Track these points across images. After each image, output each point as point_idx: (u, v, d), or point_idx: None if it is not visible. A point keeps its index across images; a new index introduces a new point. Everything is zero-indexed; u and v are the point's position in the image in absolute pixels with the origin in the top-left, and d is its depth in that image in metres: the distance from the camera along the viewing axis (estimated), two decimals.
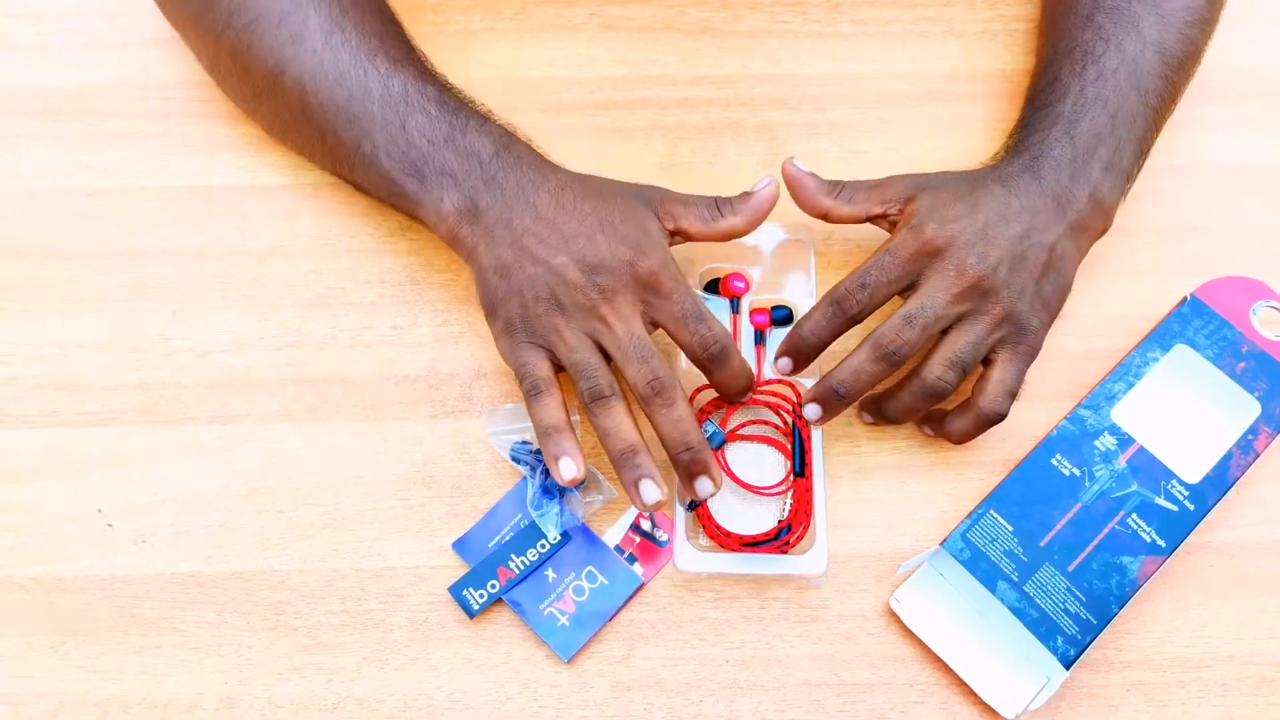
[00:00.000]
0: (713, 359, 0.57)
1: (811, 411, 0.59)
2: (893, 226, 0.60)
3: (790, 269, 0.65)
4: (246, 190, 0.67)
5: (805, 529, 0.58)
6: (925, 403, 0.58)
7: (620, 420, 0.56)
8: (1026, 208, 0.58)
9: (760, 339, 0.63)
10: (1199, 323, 0.62)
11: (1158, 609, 0.58)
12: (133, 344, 0.63)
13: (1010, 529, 0.57)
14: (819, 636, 0.58)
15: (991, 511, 0.58)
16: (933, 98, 0.70)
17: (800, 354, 0.59)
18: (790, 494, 0.59)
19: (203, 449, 0.61)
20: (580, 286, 0.56)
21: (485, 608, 0.58)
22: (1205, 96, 0.70)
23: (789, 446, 0.60)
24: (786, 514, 0.59)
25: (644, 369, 0.56)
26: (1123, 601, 0.56)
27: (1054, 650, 0.55)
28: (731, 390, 0.59)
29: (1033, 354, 0.59)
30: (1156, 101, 0.63)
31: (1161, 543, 0.57)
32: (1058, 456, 0.59)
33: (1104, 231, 0.62)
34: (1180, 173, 0.68)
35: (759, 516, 0.60)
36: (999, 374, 0.58)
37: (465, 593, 0.58)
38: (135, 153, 0.68)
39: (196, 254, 0.66)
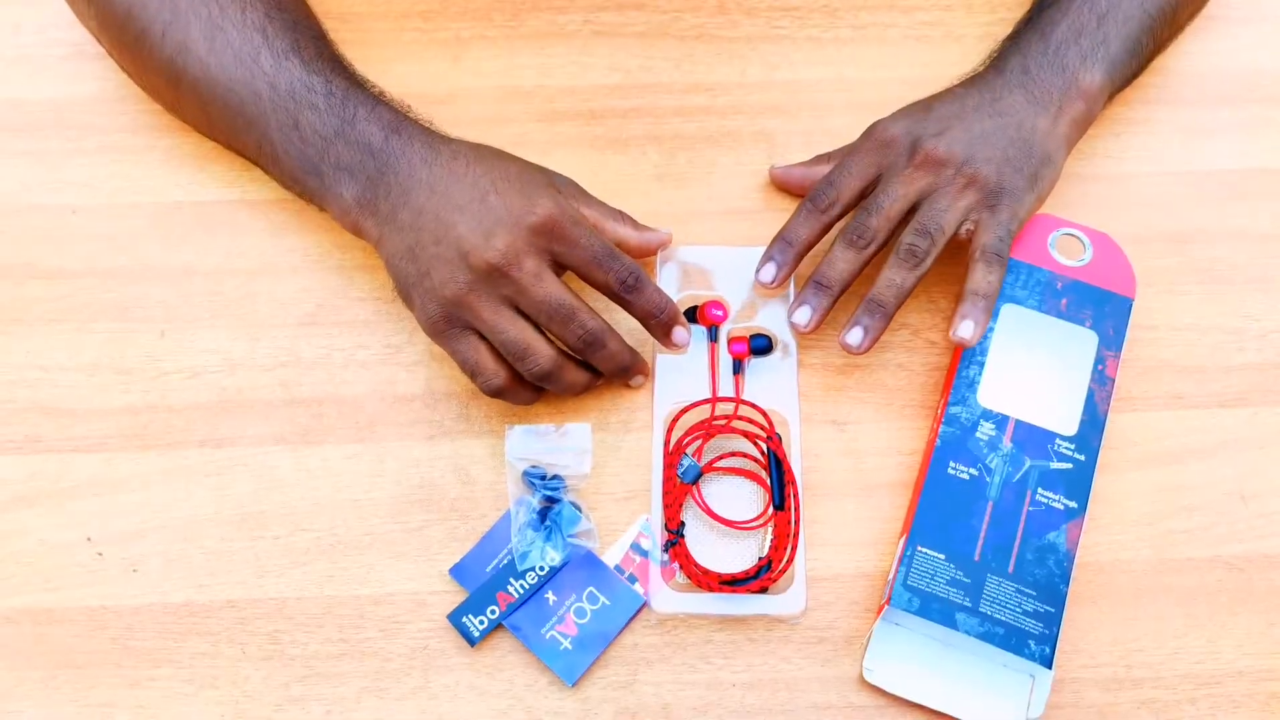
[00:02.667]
0: (629, 290, 0.57)
1: (801, 315, 0.60)
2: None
3: (769, 298, 0.64)
4: (235, 205, 0.66)
5: (788, 564, 0.57)
6: (906, 271, 0.59)
7: (571, 380, 0.58)
8: (985, 93, 0.62)
9: (738, 368, 0.62)
10: (1011, 277, 0.62)
11: (1167, 625, 0.58)
12: (120, 366, 0.62)
13: (942, 557, 0.56)
14: (826, 658, 0.57)
15: (919, 548, 0.57)
16: None
17: (781, 257, 0.61)
18: (770, 528, 0.58)
19: (194, 474, 0.60)
20: (481, 252, 0.55)
21: (486, 634, 0.57)
22: (1212, 100, 0.70)
23: (766, 479, 0.59)
24: (766, 550, 0.58)
25: (570, 328, 0.57)
26: (1066, 578, 0.56)
27: (1030, 656, 0.54)
28: (652, 314, 0.58)
29: (1014, 216, 0.60)
30: (1154, 9, 0.64)
31: (1073, 504, 0.57)
32: (951, 464, 0.58)
33: (1088, 115, 0.63)
34: (1183, 179, 0.68)
35: (738, 553, 0.59)
36: (989, 226, 0.59)
37: (465, 620, 0.57)
38: (119, 168, 0.67)
39: (184, 272, 0.64)
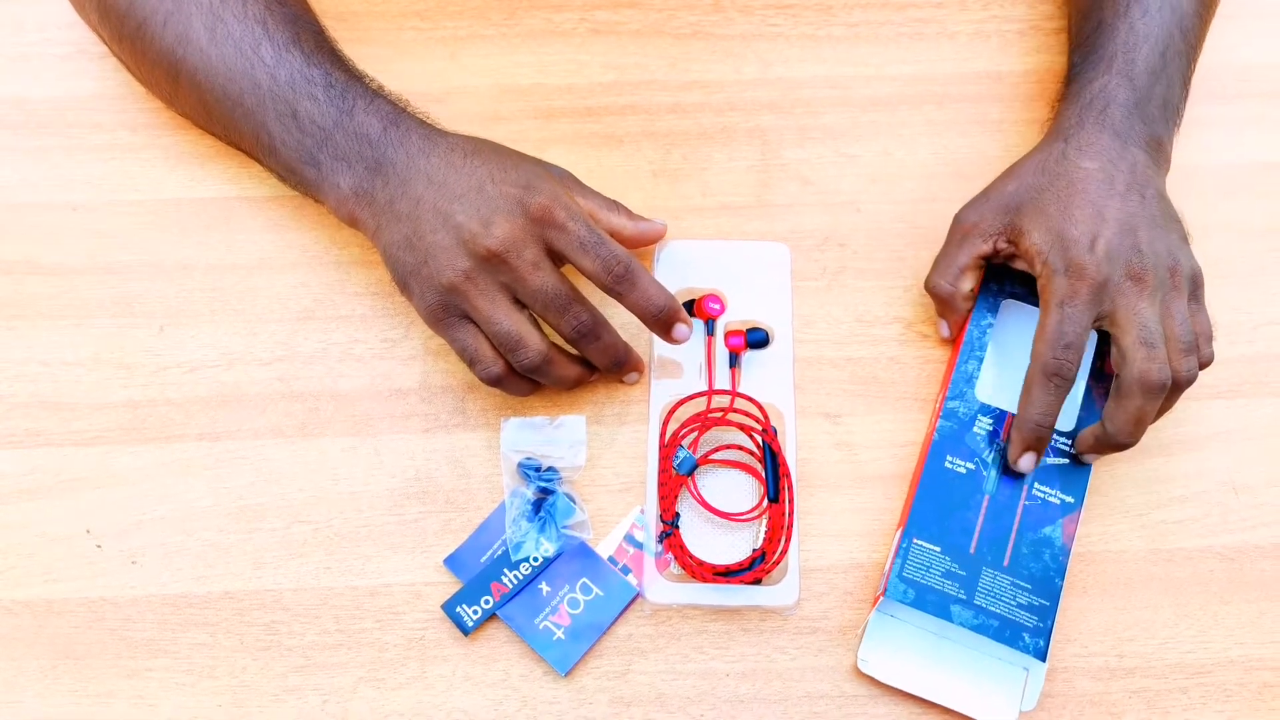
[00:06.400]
0: (619, 280, 0.57)
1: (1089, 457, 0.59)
2: (1010, 258, 0.60)
3: (766, 290, 0.64)
4: (233, 202, 0.66)
5: (782, 556, 0.57)
6: (1174, 399, 0.58)
7: (562, 373, 0.59)
8: (1119, 166, 0.59)
9: (735, 361, 0.62)
10: (1012, 274, 0.62)
11: (1159, 615, 0.58)
12: (119, 361, 0.62)
13: (938, 550, 0.57)
14: (819, 648, 0.57)
15: (915, 540, 0.57)
16: (926, 100, 0.70)
17: (1042, 442, 0.57)
18: (764, 520, 0.59)
19: (192, 467, 0.60)
20: (480, 241, 0.55)
21: (480, 624, 0.57)
22: (1202, 96, 0.70)
23: (761, 471, 0.60)
24: (761, 542, 0.58)
25: (566, 318, 0.57)
26: (1062, 572, 0.56)
27: (1024, 649, 0.55)
28: (649, 310, 0.58)
29: (1200, 285, 0.59)
30: (1194, 39, 0.64)
31: (1070, 499, 0.58)
32: (949, 458, 0.59)
33: (1167, 169, 0.63)
34: (1177, 173, 0.68)
35: (733, 545, 0.59)
36: (1196, 326, 0.58)
37: (459, 609, 0.57)
38: (119, 165, 0.67)
39: (183, 268, 0.65)
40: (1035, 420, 0.56)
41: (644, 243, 0.63)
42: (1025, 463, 0.57)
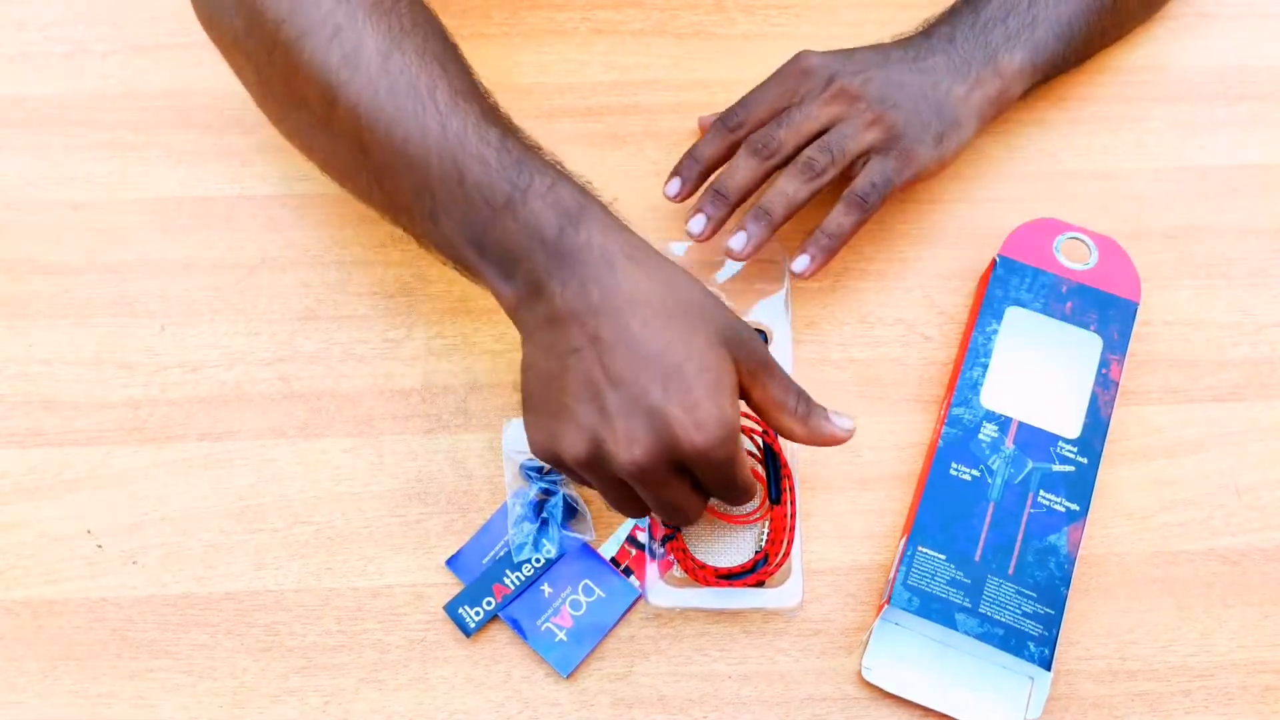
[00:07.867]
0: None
1: (696, 223, 0.61)
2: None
3: (763, 292, 0.64)
4: (234, 201, 0.66)
5: (784, 558, 0.57)
6: (800, 183, 0.60)
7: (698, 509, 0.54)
8: (909, 51, 0.63)
9: None
10: (1016, 280, 0.62)
11: (1162, 618, 0.58)
12: (120, 360, 0.62)
13: (943, 558, 0.56)
14: (822, 650, 0.57)
15: (919, 548, 0.57)
16: None
17: (688, 172, 0.62)
18: (766, 522, 0.58)
19: (193, 467, 0.60)
20: (612, 456, 0.48)
21: (481, 625, 0.57)
22: (1205, 97, 0.70)
23: (763, 473, 0.59)
24: (763, 544, 0.58)
25: (677, 519, 0.53)
26: (1067, 580, 0.56)
27: (1029, 658, 0.55)
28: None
29: (909, 162, 0.61)
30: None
31: (1075, 507, 0.57)
32: (954, 465, 0.59)
33: (1004, 94, 0.64)
34: (1177, 175, 0.68)
35: (735, 547, 0.59)
36: (868, 169, 0.61)
37: (461, 610, 0.57)
38: (120, 164, 0.67)
39: (184, 267, 0.64)
40: (692, 154, 0.63)
41: (817, 444, 0.54)
42: (694, 224, 0.61)
